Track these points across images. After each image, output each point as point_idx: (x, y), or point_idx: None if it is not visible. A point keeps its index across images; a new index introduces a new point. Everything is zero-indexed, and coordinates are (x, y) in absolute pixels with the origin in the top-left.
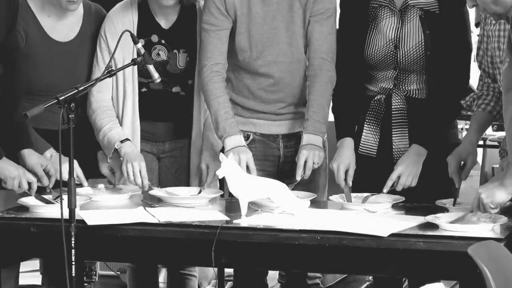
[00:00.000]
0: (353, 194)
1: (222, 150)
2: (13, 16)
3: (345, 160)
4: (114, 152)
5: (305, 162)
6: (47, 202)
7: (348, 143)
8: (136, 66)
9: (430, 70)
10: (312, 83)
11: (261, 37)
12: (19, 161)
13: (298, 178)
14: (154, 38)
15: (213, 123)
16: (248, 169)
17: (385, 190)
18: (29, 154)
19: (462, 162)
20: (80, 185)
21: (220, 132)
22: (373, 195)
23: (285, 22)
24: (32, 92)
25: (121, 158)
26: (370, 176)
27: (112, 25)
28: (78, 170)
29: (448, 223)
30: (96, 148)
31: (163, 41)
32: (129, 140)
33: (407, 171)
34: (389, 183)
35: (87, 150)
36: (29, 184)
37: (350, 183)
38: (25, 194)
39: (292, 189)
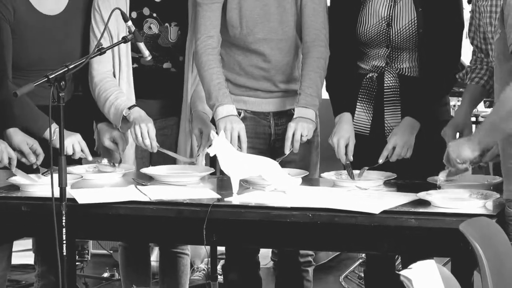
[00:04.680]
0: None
1: (213, 121)
2: None
3: (345, 134)
4: (123, 120)
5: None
6: (32, 180)
7: (346, 117)
8: None
9: (422, 47)
10: (305, 59)
11: (251, 13)
12: (5, 140)
13: (287, 151)
14: (146, 11)
15: (205, 93)
16: (239, 140)
17: (380, 161)
18: (15, 133)
19: (458, 134)
20: (85, 159)
21: (212, 101)
22: (369, 168)
23: None
24: (21, 67)
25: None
26: (363, 154)
27: None
28: (82, 144)
29: (440, 199)
30: (87, 127)
31: (154, 14)
32: (136, 106)
33: (401, 141)
34: (384, 153)
35: (79, 129)
36: (10, 160)
37: (351, 158)
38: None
39: (283, 166)
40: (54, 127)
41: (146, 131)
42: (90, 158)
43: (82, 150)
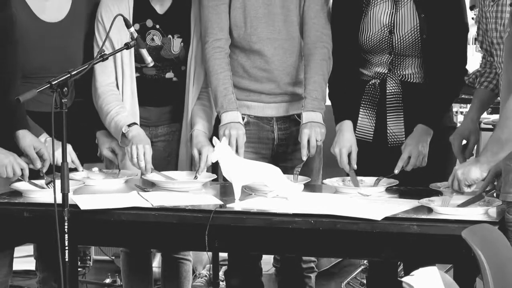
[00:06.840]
0: (357, 178)
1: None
2: None
3: (347, 143)
4: (122, 136)
5: (308, 140)
6: (40, 187)
7: (347, 126)
8: (132, 50)
9: (426, 53)
10: (308, 62)
11: (256, 13)
12: (15, 142)
13: (304, 158)
14: (149, 23)
15: (213, 99)
16: (237, 145)
17: (396, 171)
18: (23, 136)
19: (465, 141)
20: (75, 169)
21: (218, 108)
22: (383, 178)
23: None
24: (23, 74)
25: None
26: (366, 161)
27: (108, 9)
28: (72, 155)
29: (440, 207)
30: (90, 133)
31: (157, 26)
32: (136, 124)
33: (416, 151)
34: (400, 164)
35: (82, 135)
36: (22, 170)
37: (355, 166)
38: (18, 181)
39: (285, 172)
40: (44, 136)
41: (142, 152)
42: (80, 168)
43: (72, 161)
